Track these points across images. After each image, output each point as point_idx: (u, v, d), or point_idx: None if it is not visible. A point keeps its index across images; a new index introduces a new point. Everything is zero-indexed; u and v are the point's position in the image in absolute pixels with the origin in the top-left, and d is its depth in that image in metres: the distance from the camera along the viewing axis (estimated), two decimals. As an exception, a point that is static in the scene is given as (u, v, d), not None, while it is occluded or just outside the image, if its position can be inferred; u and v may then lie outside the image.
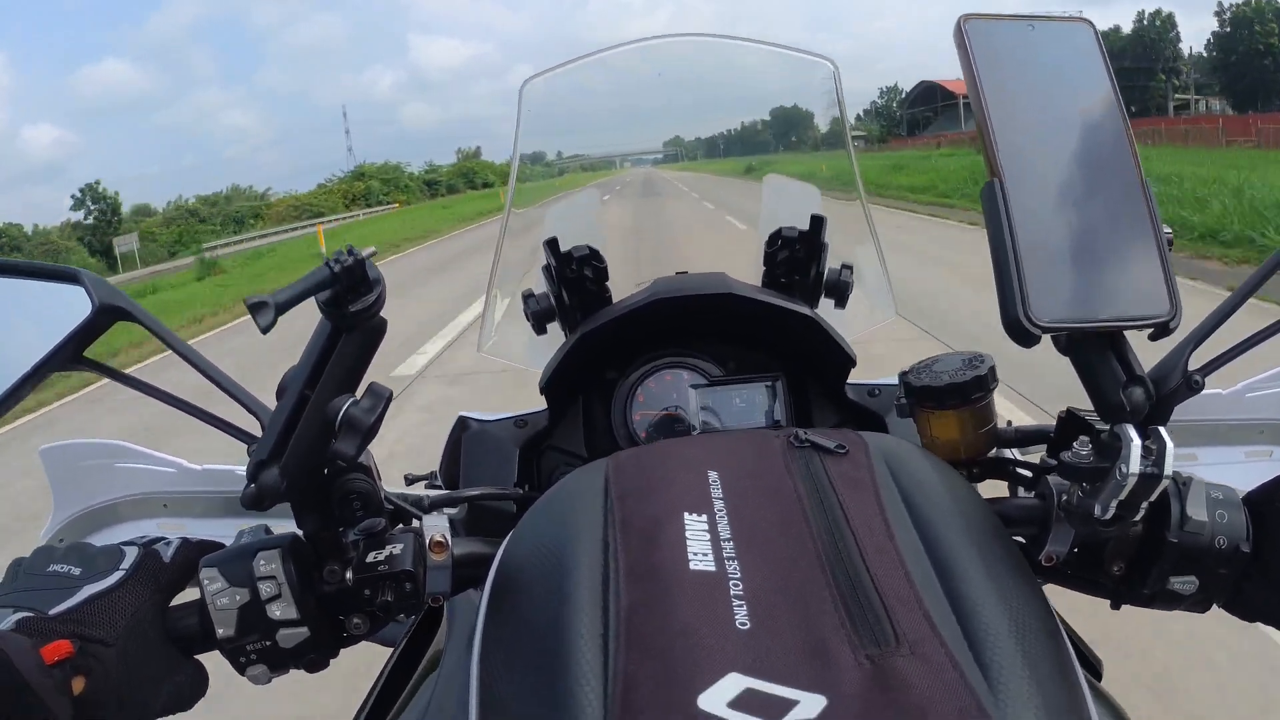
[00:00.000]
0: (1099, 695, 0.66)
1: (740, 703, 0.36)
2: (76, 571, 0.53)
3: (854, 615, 0.41)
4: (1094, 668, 0.77)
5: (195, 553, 0.57)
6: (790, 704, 0.36)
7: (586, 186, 1.22)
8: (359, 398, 0.50)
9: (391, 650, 0.87)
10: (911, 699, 0.36)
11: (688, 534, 0.46)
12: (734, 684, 0.37)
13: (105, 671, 0.50)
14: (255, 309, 0.43)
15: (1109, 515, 0.51)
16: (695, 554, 0.45)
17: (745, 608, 0.41)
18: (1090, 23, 0.58)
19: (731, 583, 0.43)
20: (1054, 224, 0.51)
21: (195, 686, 0.56)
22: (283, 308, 0.44)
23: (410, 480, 1.01)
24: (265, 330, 0.43)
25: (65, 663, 0.48)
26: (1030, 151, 0.53)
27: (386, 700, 0.80)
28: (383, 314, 0.51)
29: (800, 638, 0.40)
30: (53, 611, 0.50)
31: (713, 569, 0.44)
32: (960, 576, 0.44)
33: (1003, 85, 0.54)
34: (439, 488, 0.98)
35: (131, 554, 0.55)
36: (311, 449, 0.52)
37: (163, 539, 0.58)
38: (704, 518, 0.48)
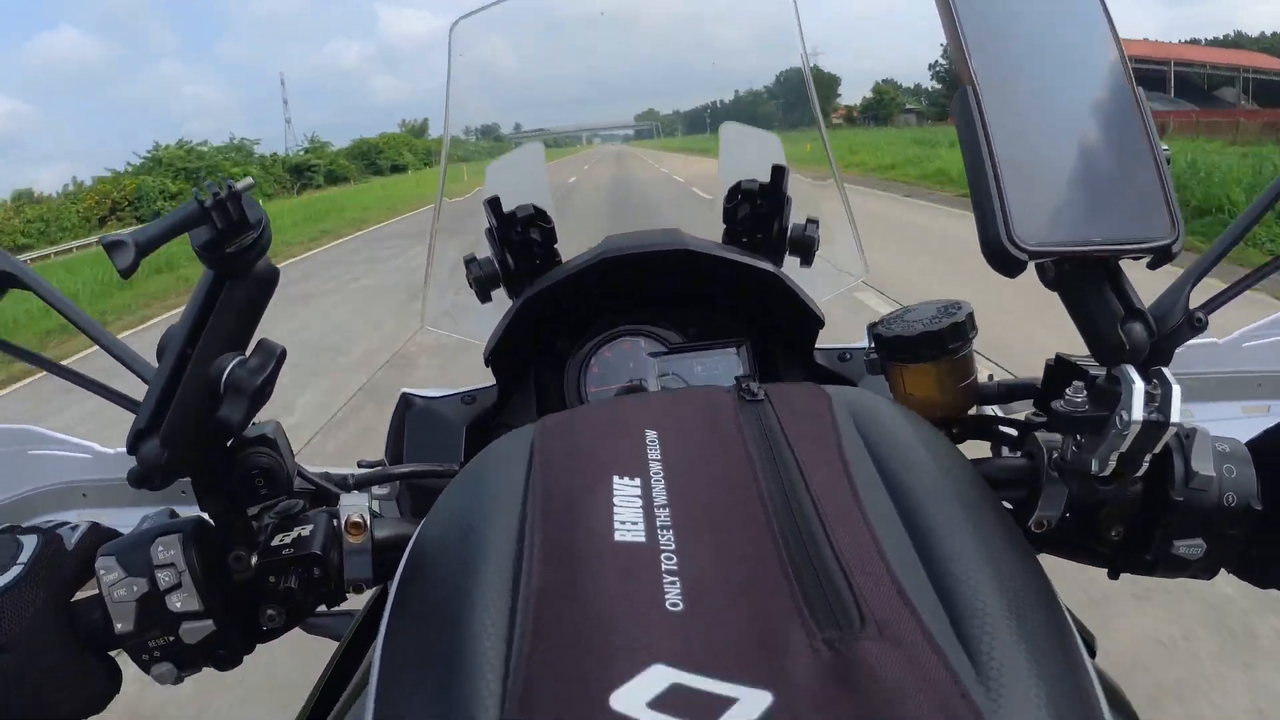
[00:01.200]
0: (1096, 675, 0.61)
1: (664, 701, 0.29)
2: None
3: (810, 593, 0.34)
4: (1088, 644, 0.72)
5: (101, 539, 0.53)
6: (727, 702, 0.29)
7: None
8: (247, 356, 0.45)
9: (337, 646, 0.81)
10: (879, 690, 0.30)
11: (616, 500, 0.40)
12: (658, 678, 0.30)
13: (3, 679, 0.45)
14: (112, 248, 0.38)
15: (1108, 471, 0.45)
16: (623, 523, 0.38)
17: (678, 586, 0.35)
18: None
19: (664, 556, 0.36)
20: (1038, 138, 0.45)
21: (109, 686, 0.51)
22: (145, 248, 0.39)
23: (364, 466, 0.94)
24: (125, 274, 0.39)
25: None
26: (1008, 58, 0.47)
27: (330, 700, 0.73)
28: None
29: (743, 621, 0.33)
30: None
31: (642, 540, 0.37)
32: (940, 544, 0.38)
33: None
34: None
35: (30, 544, 0.50)
36: (194, 416, 0.46)
37: (67, 524, 0.53)
38: (636, 482, 0.41)
